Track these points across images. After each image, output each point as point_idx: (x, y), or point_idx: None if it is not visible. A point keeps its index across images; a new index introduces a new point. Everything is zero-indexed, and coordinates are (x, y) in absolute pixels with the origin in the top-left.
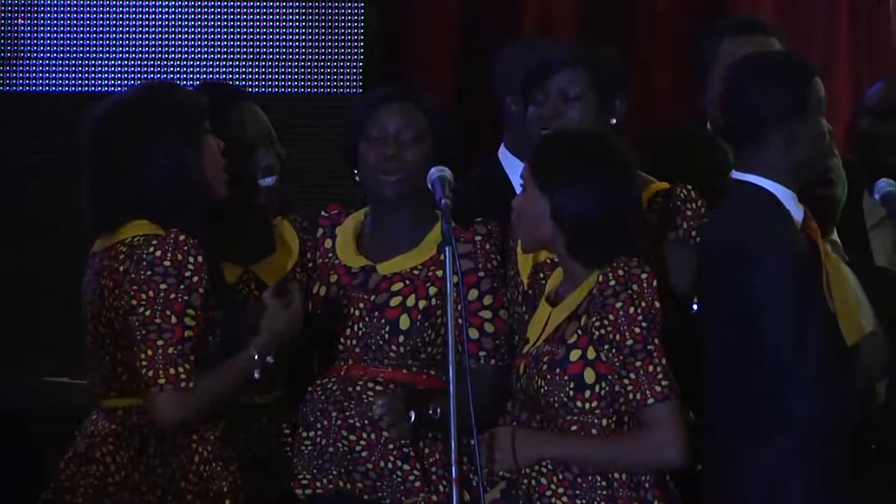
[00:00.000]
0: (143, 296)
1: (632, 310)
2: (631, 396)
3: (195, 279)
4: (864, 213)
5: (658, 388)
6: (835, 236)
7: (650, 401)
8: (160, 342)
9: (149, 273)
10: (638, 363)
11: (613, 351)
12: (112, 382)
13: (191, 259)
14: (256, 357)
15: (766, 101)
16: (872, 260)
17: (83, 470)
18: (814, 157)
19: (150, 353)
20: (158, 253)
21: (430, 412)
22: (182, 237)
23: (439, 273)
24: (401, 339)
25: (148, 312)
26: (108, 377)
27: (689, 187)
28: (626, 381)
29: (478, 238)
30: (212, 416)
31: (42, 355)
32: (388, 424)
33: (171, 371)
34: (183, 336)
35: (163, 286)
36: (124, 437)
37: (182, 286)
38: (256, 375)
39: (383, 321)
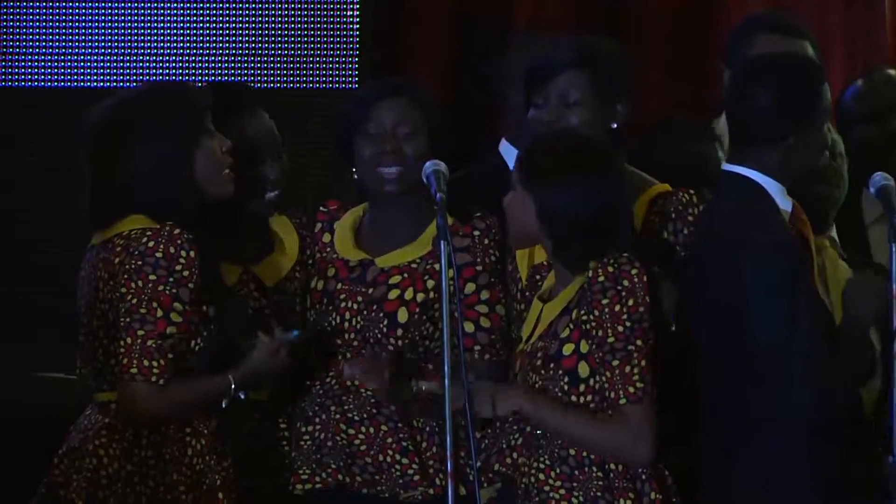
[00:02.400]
0: (133, 285)
1: (617, 307)
2: (607, 394)
3: (186, 273)
4: (863, 209)
5: (632, 390)
6: (833, 233)
7: (622, 401)
8: (141, 332)
9: (139, 263)
10: (616, 362)
11: (595, 346)
12: (105, 375)
13: (183, 253)
14: (233, 387)
15: (772, 112)
16: (871, 257)
17: (77, 464)
18: (813, 163)
19: (129, 341)
20: (151, 244)
21: (412, 383)
22: (177, 231)
23: (437, 266)
24: (399, 332)
25: (134, 301)
26: (102, 370)
27: (692, 192)
28: (604, 379)
29: (476, 233)
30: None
31: (36, 351)
32: (364, 381)
33: (146, 363)
34: (165, 331)
35: (152, 277)
36: (117, 429)
37: (172, 279)
38: (224, 405)
39: (381, 314)
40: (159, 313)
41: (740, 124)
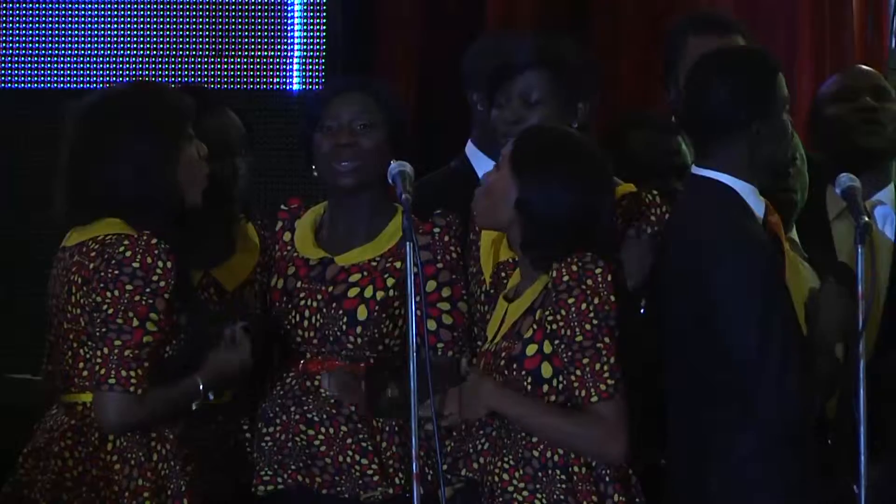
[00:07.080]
0: (108, 294)
1: (584, 306)
2: (576, 393)
3: (162, 284)
4: (827, 205)
5: (603, 387)
6: (793, 234)
7: (594, 399)
8: (118, 342)
9: (116, 272)
10: (585, 360)
11: (563, 346)
12: (73, 378)
13: (160, 263)
14: (201, 388)
15: (731, 99)
16: (835, 256)
17: (41, 465)
18: (777, 156)
19: (105, 351)
20: (129, 253)
21: (388, 392)
22: (154, 240)
23: (398, 265)
24: (358, 329)
25: (111, 311)
26: (69, 372)
27: (655, 192)
28: (573, 378)
29: (437, 230)
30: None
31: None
32: (342, 398)
33: (123, 373)
34: (141, 341)
35: (129, 287)
36: (83, 432)
37: (148, 289)
38: (194, 407)
39: (341, 312)
40: (135, 323)
41: (701, 120)
